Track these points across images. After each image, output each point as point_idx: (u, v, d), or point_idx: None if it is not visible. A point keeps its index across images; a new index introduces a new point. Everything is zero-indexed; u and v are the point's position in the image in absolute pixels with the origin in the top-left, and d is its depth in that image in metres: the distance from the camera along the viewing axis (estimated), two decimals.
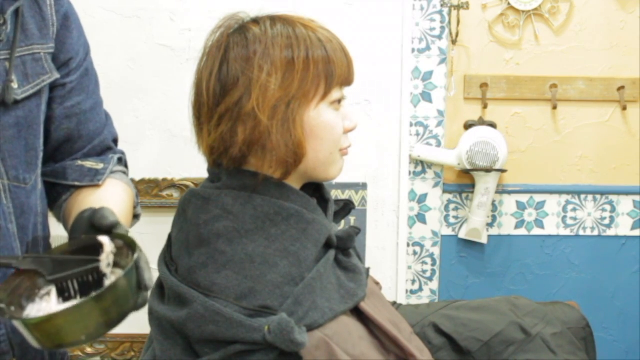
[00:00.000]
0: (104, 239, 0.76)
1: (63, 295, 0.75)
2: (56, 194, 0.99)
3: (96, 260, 0.75)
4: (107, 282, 0.70)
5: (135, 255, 0.72)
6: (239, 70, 0.92)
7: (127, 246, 0.76)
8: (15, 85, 0.85)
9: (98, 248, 0.77)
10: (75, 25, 0.97)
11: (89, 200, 0.94)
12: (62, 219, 0.99)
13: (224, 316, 0.85)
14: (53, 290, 0.74)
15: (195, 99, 0.97)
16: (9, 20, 0.85)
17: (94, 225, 0.80)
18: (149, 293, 0.75)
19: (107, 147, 1.03)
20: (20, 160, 0.88)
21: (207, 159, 1.01)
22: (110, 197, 0.96)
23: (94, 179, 0.97)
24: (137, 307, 0.74)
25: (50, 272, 0.75)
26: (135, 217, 1.06)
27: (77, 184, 0.97)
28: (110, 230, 0.79)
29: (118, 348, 1.79)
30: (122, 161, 1.06)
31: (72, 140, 0.98)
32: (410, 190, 1.84)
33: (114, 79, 1.66)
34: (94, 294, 0.66)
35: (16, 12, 0.86)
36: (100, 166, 0.99)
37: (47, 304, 0.73)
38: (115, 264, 0.77)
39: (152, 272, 0.76)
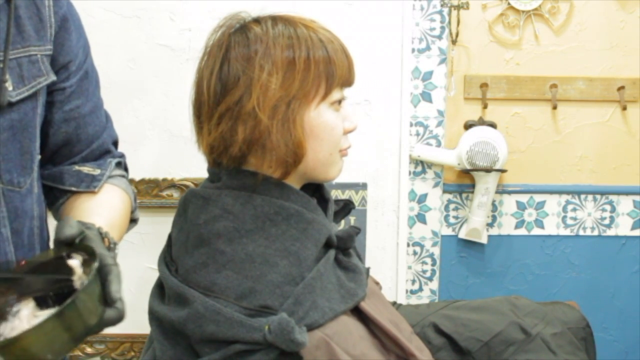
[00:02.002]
0: (73, 263, 0.73)
1: (41, 307, 0.73)
2: (53, 197, 0.99)
3: (69, 280, 0.72)
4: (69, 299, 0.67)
5: (94, 268, 0.69)
6: (240, 70, 0.92)
7: (92, 259, 0.73)
8: (10, 87, 0.84)
9: (65, 259, 0.75)
10: (74, 27, 0.95)
11: (83, 206, 0.94)
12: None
13: (224, 316, 0.85)
14: (24, 308, 0.72)
15: (196, 98, 0.97)
16: None
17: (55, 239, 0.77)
18: (119, 305, 0.71)
19: (106, 151, 1.02)
20: (15, 164, 0.87)
21: (207, 158, 1.01)
22: (105, 204, 0.95)
23: (90, 185, 0.96)
24: (103, 322, 0.70)
25: (22, 289, 0.73)
26: (133, 221, 1.06)
27: (73, 189, 0.96)
28: (72, 242, 0.75)
29: (118, 348, 1.79)
30: (121, 165, 1.05)
31: (71, 143, 0.97)
32: (410, 190, 1.84)
33: (114, 79, 1.66)
34: (53, 312, 0.64)
35: (8, 9, 0.84)
36: (97, 172, 0.98)
37: (19, 322, 0.70)
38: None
39: (121, 284, 0.72)
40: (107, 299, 0.70)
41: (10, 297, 0.73)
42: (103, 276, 0.71)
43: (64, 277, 0.72)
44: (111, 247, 0.81)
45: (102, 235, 0.81)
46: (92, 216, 0.90)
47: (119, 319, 0.71)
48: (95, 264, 0.70)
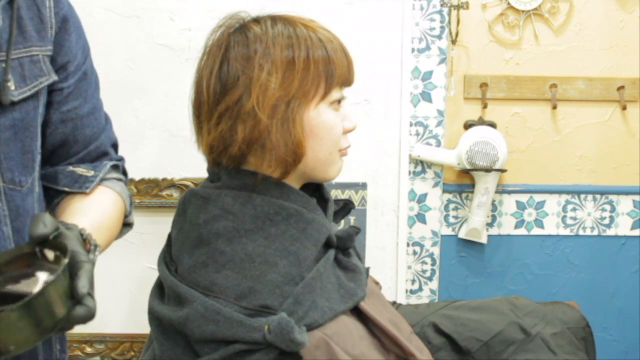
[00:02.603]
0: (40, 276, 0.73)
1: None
2: (49, 197, 0.99)
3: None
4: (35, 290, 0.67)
5: (64, 263, 0.69)
6: (240, 70, 0.92)
7: (63, 254, 0.73)
8: (12, 86, 0.84)
9: (37, 254, 0.75)
10: (74, 28, 0.95)
11: (73, 207, 0.94)
12: None
13: (224, 316, 0.85)
14: None
15: (196, 98, 0.98)
16: (0, 16, 0.84)
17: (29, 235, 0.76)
18: (89, 303, 0.70)
19: (103, 153, 1.02)
20: (17, 163, 0.88)
21: (207, 158, 1.01)
22: (94, 206, 0.95)
23: (82, 187, 0.96)
24: (72, 319, 0.69)
25: None
26: (128, 225, 1.05)
27: (66, 189, 0.96)
28: (45, 240, 0.75)
29: (118, 348, 1.79)
30: (118, 168, 1.05)
31: (68, 145, 0.97)
32: (410, 190, 1.84)
33: (114, 79, 1.66)
34: (20, 303, 0.64)
35: (10, 10, 0.85)
36: (91, 173, 0.98)
37: None
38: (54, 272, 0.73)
39: (90, 281, 0.71)
40: (74, 294, 0.69)
41: None
42: (73, 272, 0.71)
43: (25, 292, 0.71)
44: (91, 249, 0.80)
45: (83, 237, 0.80)
46: (78, 216, 0.89)
47: (88, 316, 0.70)
48: (66, 260, 0.69)
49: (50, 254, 0.75)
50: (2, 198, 0.86)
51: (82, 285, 0.70)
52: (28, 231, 0.75)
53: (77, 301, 0.69)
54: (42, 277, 0.73)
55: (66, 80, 0.95)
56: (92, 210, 0.93)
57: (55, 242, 0.75)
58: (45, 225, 0.74)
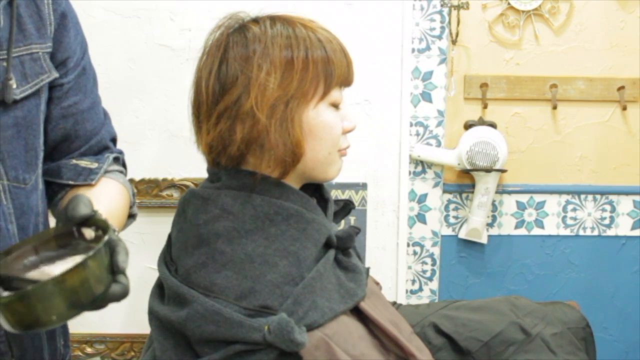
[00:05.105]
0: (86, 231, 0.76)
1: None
2: (52, 192, 0.99)
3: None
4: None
5: (106, 237, 0.71)
6: (238, 69, 0.92)
7: (103, 232, 0.76)
8: (14, 84, 0.85)
9: (75, 235, 0.77)
10: (72, 24, 0.96)
11: None
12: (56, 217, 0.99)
13: (223, 316, 0.85)
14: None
15: (195, 98, 0.98)
16: (1, 16, 0.85)
17: (67, 216, 0.78)
18: (124, 281, 0.73)
19: (104, 147, 1.03)
20: (20, 161, 0.88)
21: (206, 158, 1.01)
22: (103, 197, 0.95)
23: (87, 178, 0.97)
24: (108, 296, 0.71)
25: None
26: (132, 216, 1.06)
27: (71, 182, 0.97)
28: (83, 221, 0.77)
29: (118, 348, 1.79)
30: (119, 160, 1.06)
31: (69, 139, 0.98)
32: (410, 190, 1.84)
33: (114, 79, 1.66)
34: (58, 273, 0.66)
35: (10, 9, 0.85)
36: (95, 165, 0.98)
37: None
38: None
39: (128, 257, 0.75)
40: (114, 268, 0.72)
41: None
42: (111, 248, 0.73)
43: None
44: None
45: None
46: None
47: (123, 293, 0.72)
48: (107, 236, 0.72)
49: (89, 233, 0.77)
50: (7, 196, 0.87)
51: (122, 260, 0.72)
52: (68, 212, 0.77)
53: (114, 277, 0.72)
54: (78, 258, 0.74)
55: (66, 76, 0.95)
56: (103, 199, 0.94)
57: (95, 220, 0.77)
58: (86, 205, 0.77)
